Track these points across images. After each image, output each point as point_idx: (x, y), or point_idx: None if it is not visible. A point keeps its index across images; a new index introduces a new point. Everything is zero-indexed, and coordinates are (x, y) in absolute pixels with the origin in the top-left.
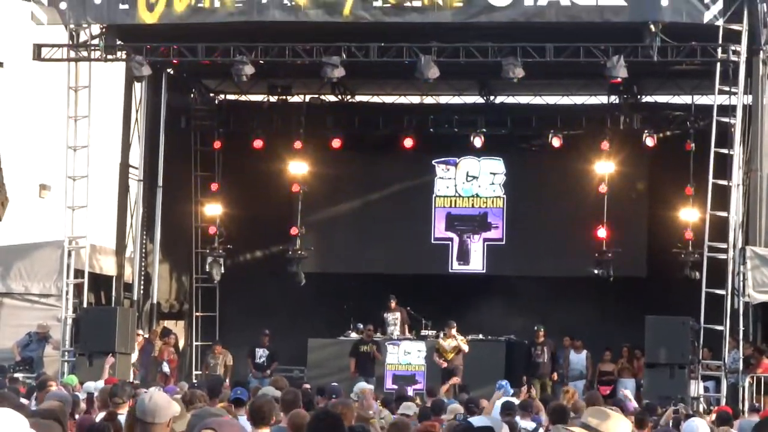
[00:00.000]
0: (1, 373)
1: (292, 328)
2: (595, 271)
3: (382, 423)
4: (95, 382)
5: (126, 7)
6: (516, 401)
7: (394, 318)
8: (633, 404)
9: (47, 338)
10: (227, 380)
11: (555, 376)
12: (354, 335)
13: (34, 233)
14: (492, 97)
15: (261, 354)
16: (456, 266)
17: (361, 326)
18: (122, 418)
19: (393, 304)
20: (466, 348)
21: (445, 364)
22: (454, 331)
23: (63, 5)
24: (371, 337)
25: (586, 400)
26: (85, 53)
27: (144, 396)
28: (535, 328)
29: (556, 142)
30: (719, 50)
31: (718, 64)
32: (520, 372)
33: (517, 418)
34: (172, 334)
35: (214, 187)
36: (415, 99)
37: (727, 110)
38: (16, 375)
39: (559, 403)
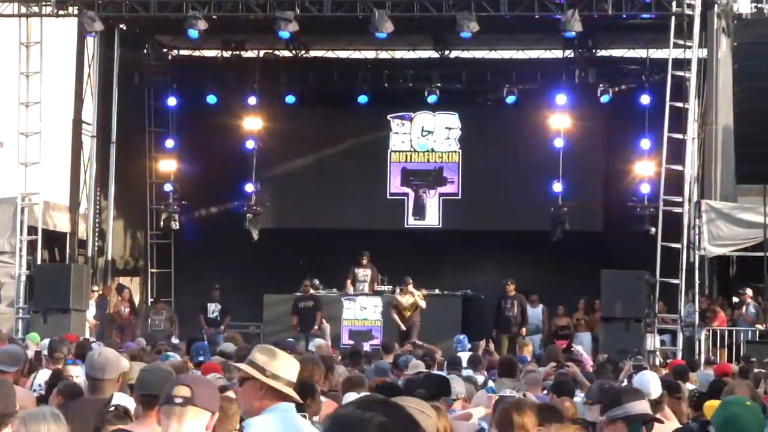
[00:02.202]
0: None
1: (248, 283)
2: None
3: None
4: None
5: None
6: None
7: (364, 274)
8: (588, 359)
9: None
10: (174, 336)
11: (524, 331)
12: (311, 291)
13: None
14: (447, 52)
15: (213, 309)
16: (412, 221)
17: (317, 282)
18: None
19: (365, 260)
20: (423, 304)
21: (404, 327)
22: (411, 287)
23: None
24: (308, 293)
25: (546, 353)
26: (36, 9)
27: (93, 352)
28: (504, 281)
29: (511, 98)
30: (674, 4)
31: (673, 18)
32: (477, 327)
33: (468, 372)
34: (126, 289)
35: (168, 143)
36: (369, 54)
37: (682, 64)
38: None
39: (508, 356)
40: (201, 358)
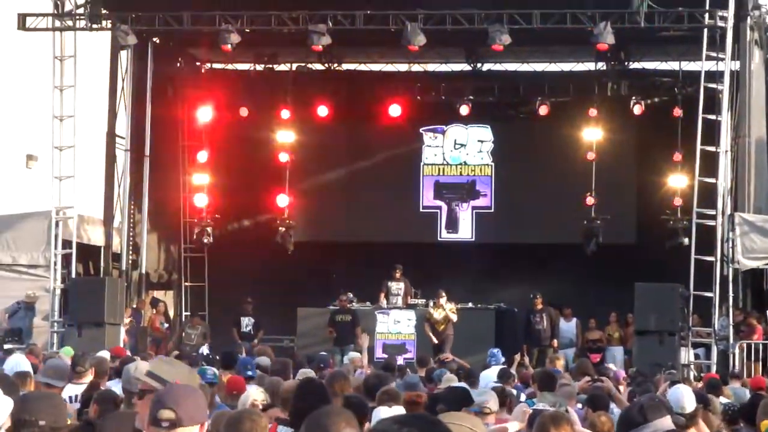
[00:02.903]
0: None
1: (281, 297)
2: (588, 252)
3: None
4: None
5: None
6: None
7: (398, 287)
8: (621, 373)
9: (34, 307)
10: (206, 346)
11: (555, 343)
12: (348, 305)
13: (22, 204)
14: (479, 65)
15: (247, 323)
16: (445, 234)
17: (351, 295)
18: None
19: (398, 274)
20: (454, 318)
21: (436, 341)
22: (442, 301)
23: None
24: (345, 306)
25: (576, 367)
26: (70, 22)
27: (130, 366)
28: (531, 295)
29: (543, 110)
30: (706, 16)
31: (706, 30)
32: (510, 340)
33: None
34: (161, 302)
35: (201, 156)
36: (402, 67)
37: (715, 76)
38: (6, 347)
39: (546, 369)
40: (250, 373)
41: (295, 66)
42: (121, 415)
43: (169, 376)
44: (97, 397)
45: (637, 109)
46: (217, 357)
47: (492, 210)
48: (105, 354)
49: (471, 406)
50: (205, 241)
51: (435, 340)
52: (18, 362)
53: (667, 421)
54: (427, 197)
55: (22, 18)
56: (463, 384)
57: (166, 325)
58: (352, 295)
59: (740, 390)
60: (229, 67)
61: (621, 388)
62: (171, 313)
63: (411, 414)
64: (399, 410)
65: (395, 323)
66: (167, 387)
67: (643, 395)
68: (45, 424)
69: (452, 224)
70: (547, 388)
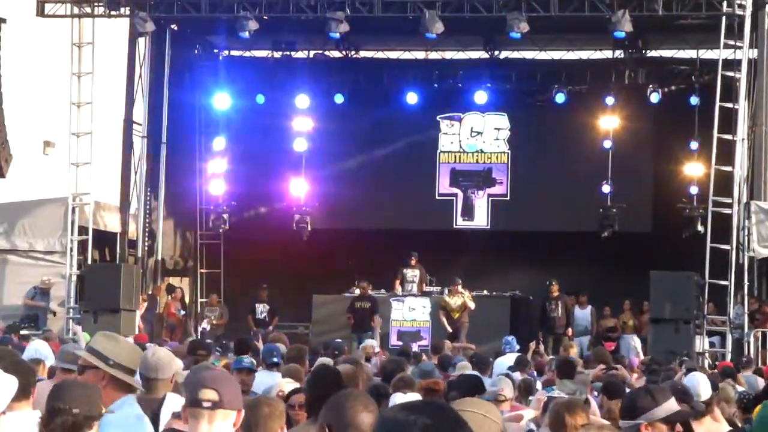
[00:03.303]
0: (12, 331)
1: (296, 284)
2: (603, 236)
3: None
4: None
5: None
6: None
7: (413, 275)
8: (635, 361)
9: (49, 293)
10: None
11: (570, 331)
12: (358, 291)
13: (39, 190)
14: (497, 52)
15: (262, 309)
16: (460, 222)
17: (366, 282)
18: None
19: (414, 261)
20: (472, 305)
21: (450, 329)
22: (460, 288)
23: None
24: (366, 293)
25: (593, 355)
26: (88, 9)
27: (147, 352)
28: (548, 283)
29: (560, 98)
30: (724, 4)
31: (724, 18)
32: (525, 327)
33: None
34: (177, 288)
35: (218, 143)
36: (419, 54)
37: (733, 64)
38: (23, 332)
39: (565, 357)
40: (275, 359)
41: (312, 53)
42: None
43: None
44: None
45: (654, 97)
46: (231, 344)
47: (508, 198)
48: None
49: (483, 393)
50: (222, 228)
51: (449, 329)
52: (38, 349)
53: (673, 403)
54: (443, 185)
55: (40, 4)
56: (475, 372)
57: (183, 312)
58: (367, 282)
59: (752, 378)
60: (247, 54)
61: (635, 375)
62: (186, 300)
63: (420, 401)
64: (414, 396)
65: (410, 310)
66: (205, 370)
67: (664, 382)
68: (79, 412)
69: (468, 212)
70: (566, 375)
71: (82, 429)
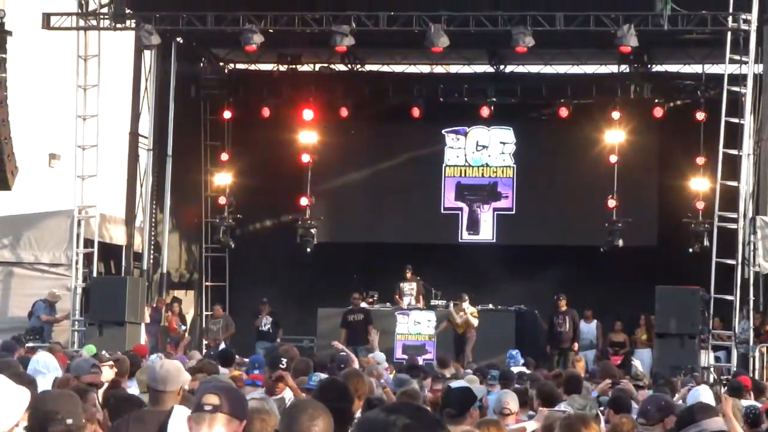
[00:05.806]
0: (18, 343)
1: (301, 298)
2: (601, 249)
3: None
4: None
5: None
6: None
7: (410, 288)
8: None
9: (55, 306)
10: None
11: (576, 346)
12: (363, 304)
13: (44, 203)
14: (502, 67)
15: (266, 322)
16: (466, 236)
17: (376, 295)
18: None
19: (409, 274)
20: (475, 323)
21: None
22: (465, 305)
23: None
24: (358, 306)
25: (599, 370)
26: (94, 22)
27: (155, 364)
28: (556, 297)
29: (565, 112)
30: (730, 19)
31: (729, 33)
32: (530, 342)
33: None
34: (176, 303)
35: (223, 156)
36: (424, 68)
37: (738, 79)
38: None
39: (573, 372)
40: (256, 371)
41: (318, 67)
42: (146, 413)
43: None
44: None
45: (660, 112)
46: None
47: (513, 212)
48: None
49: (475, 402)
50: (227, 241)
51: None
52: (45, 361)
53: (719, 421)
54: (449, 199)
55: (46, 17)
56: (462, 383)
57: (183, 327)
58: (375, 296)
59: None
60: (252, 67)
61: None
62: (191, 313)
63: (399, 402)
64: None
65: (415, 324)
66: (213, 380)
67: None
68: (72, 422)
69: (473, 226)
70: (574, 390)
71: None
